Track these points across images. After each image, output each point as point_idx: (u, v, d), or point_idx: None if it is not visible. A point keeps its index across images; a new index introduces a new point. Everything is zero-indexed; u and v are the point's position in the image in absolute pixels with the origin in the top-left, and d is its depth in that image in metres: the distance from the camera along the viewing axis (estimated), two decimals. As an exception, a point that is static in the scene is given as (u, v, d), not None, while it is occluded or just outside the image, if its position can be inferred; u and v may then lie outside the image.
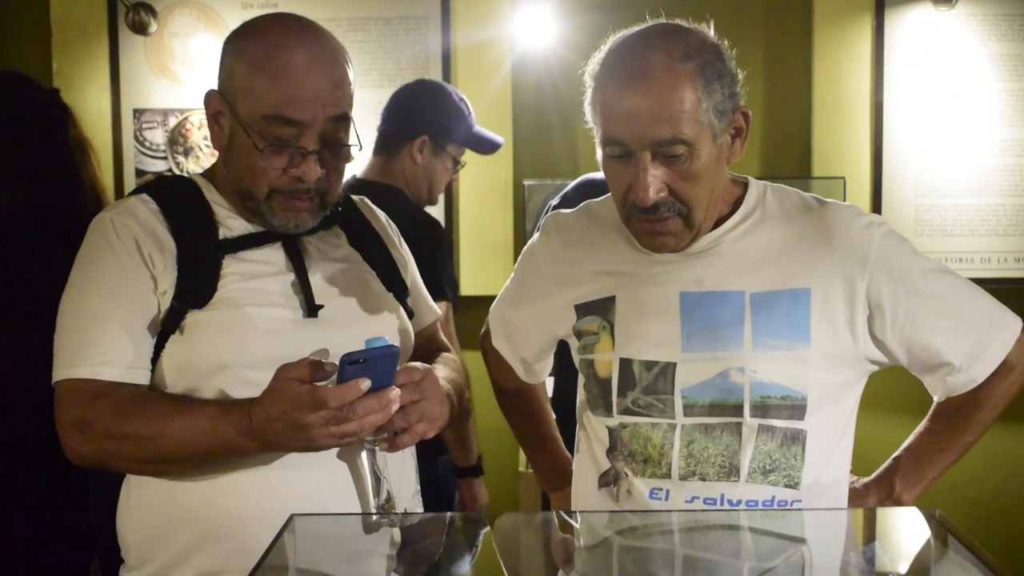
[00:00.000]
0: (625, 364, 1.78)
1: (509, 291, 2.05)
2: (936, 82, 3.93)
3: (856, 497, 1.87)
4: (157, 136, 4.04)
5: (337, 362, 1.60)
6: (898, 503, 1.87)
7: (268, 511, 1.71)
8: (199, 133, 4.02)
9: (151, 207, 1.83)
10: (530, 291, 1.97)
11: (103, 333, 1.74)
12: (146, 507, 1.81)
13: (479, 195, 4.02)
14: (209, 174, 1.91)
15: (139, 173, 4.01)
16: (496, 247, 4.02)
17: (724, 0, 3.88)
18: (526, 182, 4.01)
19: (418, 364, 1.75)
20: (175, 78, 4.03)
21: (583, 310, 1.85)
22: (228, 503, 1.76)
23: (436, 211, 3.71)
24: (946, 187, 3.96)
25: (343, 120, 1.79)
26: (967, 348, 1.78)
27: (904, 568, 1.84)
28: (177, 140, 4.04)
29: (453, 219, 4.01)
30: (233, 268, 1.80)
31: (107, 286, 1.76)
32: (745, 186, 1.82)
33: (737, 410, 1.72)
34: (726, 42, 1.73)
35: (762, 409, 1.72)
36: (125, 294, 1.76)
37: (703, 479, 1.74)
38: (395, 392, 1.63)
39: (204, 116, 1.85)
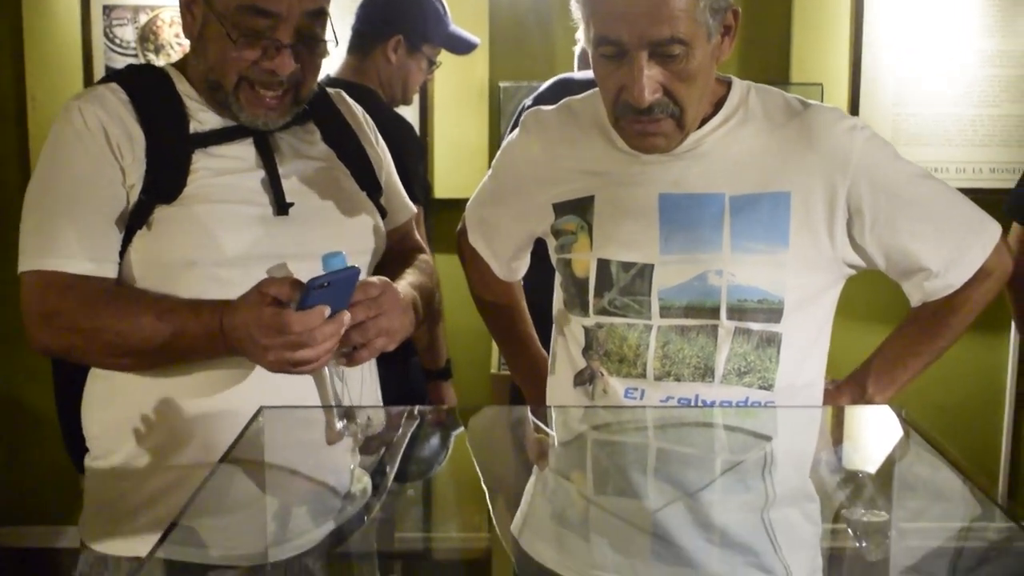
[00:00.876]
0: (602, 265, 1.77)
1: (486, 188, 2.03)
2: (917, -11, 3.90)
3: (828, 399, 1.88)
4: (127, 33, 3.95)
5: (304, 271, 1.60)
6: (870, 405, 1.88)
7: (233, 409, 1.72)
8: (170, 31, 3.94)
9: (120, 96, 1.79)
10: (508, 188, 1.96)
11: (71, 224, 1.71)
12: (111, 400, 1.82)
13: (454, 97, 3.97)
14: (180, 65, 1.87)
15: (108, 71, 3.92)
16: (471, 150, 3.98)
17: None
18: (502, 84, 3.96)
19: (375, 279, 1.73)
20: (145, -27, 3.94)
21: (561, 209, 1.83)
22: (193, 401, 1.76)
23: (411, 113, 3.67)
24: (924, 96, 3.94)
25: (320, 15, 1.76)
26: (945, 253, 1.78)
27: (871, 465, 1.87)
28: (148, 37, 3.96)
29: (428, 121, 3.96)
30: (203, 163, 1.77)
31: (75, 176, 1.73)
32: (728, 85, 1.80)
33: (714, 312, 1.72)
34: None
35: (739, 312, 1.72)
36: (94, 185, 1.73)
37: (678, 380, 1.74)
38: (346, 317, 1.62)
39: (176, 14, 1.81)
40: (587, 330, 1.80)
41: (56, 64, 3.95)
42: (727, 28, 1.69)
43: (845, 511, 1.88)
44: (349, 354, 1.70)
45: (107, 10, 3.94)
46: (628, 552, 1.78)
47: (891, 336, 1.92)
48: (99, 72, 3.93)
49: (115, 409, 1.81)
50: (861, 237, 1.74)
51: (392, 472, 1.96)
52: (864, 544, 1.83)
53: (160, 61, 3.93)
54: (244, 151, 1.82)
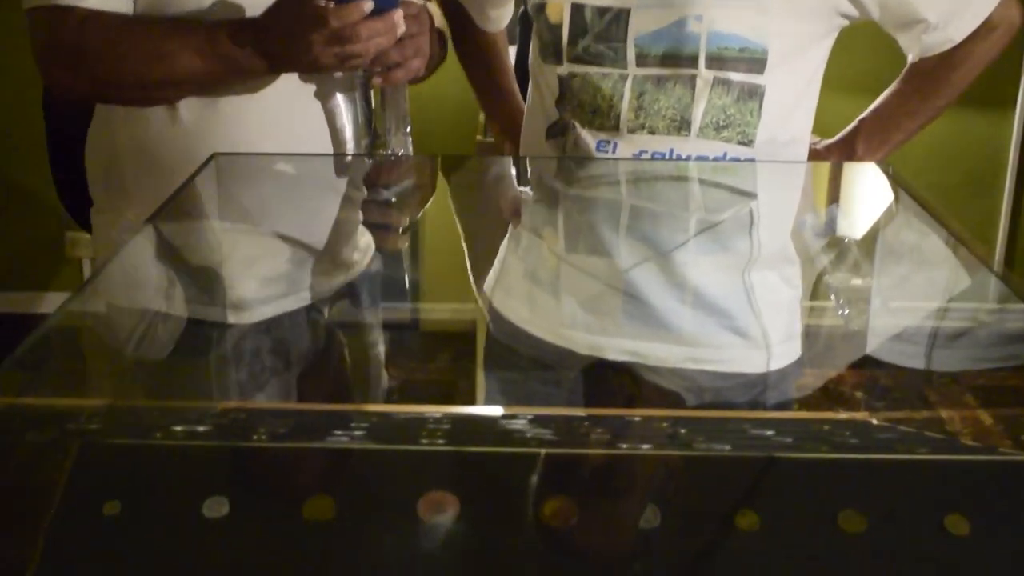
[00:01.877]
0: (577, 9, 1.66)
1: None
2: None
3: (814, 157, 1.81)
4: None
5: None
6: None
7: None
8: None
9: None
10: None
11: None
12: (115, 146, 1.75)
13: None
14: None
15: None
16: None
17: None
18: None
19: None
20: None
21: (536, -50, 1.73)
22: (203, 146, 1.69)
23: None
24: None
25: None
26: (946, 3, 1.66)
27: (855, 226, 1.82)
28: None
29: None
30: None
31: None
32: None
33: (692, 61, 1.62)
34: None
35: (718, 61, 1.62)
36: None
37: (652, 133, 1.66)
38: (399, 14, 1.55)
39: None
40: (561, 80, 1.71)
41: None
42: None
43: (827, 276, 1.85)
44: (384, 74, 1.66)
45: None
46: (599, 311, 1.74)
47: (885, 94, 1.82)
48: None
49: (119, 156, 1.75)
50: (855, -17, 1.63)
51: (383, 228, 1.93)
52: (846, 311, 1.79)
53: None
54: None
